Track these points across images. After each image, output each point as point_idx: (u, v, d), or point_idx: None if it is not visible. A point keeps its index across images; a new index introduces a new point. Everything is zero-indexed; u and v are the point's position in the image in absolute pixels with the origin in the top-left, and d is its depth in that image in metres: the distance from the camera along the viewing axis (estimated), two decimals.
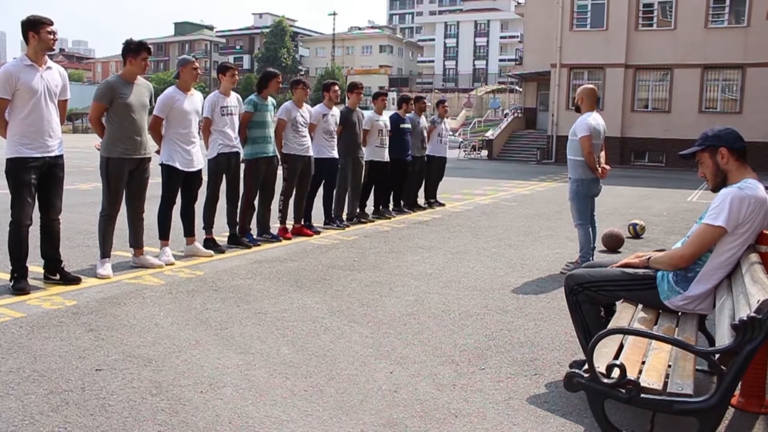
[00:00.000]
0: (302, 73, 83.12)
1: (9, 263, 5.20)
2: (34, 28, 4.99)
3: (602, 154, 6.54)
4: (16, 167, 5.02)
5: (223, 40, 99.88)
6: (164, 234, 6.40)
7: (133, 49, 5.70)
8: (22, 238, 5.14)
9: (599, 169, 6.38)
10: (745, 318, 2.40)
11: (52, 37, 5.07)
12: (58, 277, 5.46)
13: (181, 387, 3.42)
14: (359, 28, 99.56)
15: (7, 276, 5.27)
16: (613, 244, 7.83)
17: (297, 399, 3.31)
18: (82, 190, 12.50)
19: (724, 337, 2.65)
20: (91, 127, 6.09)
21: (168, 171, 6.28)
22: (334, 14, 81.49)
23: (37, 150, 5.07)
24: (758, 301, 2.40)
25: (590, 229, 6.51)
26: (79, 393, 3.30)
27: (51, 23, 5.09)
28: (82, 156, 21.68)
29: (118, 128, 5.64)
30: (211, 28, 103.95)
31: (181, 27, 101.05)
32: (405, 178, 10.19)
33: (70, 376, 3.51)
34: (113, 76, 5.93)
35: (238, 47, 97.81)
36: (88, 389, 3.35)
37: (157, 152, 6.30)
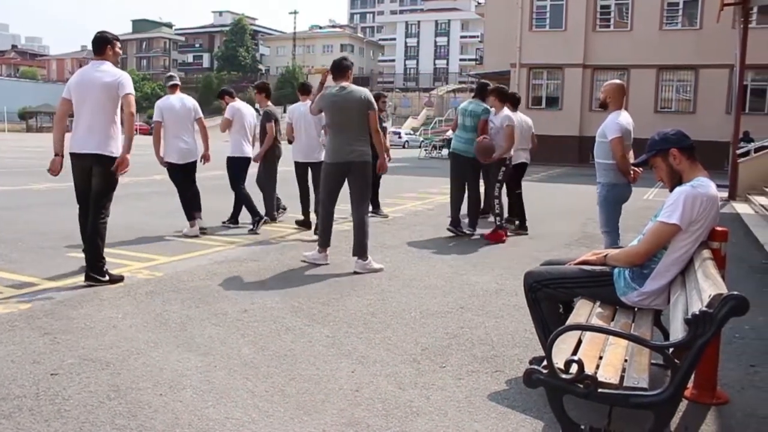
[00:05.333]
0: (262, 72, 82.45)
1: None
2: (111, 42, 5.48)
3: (630, 155, 5.91)
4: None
5: (183, 38, 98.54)
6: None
7: None
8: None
9: (631, 172, 5.77)
10: (697, 312, 2.46)
11: (120, 52, 5.69)
12: (107, 278, 5.49)
13: (140, 390, 3.36)
14: (320, 27, 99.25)
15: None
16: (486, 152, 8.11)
17: (258, 400, 3.29)
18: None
19: (677, 332, 2.71)
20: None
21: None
22: (295, 13, 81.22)
23: None
24: (710, 296, 2.46)
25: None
26: (34, 399, 3.22)
27: (119, 40, 5.72)
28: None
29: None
30: (170, 25, 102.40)
31: (140, 24, 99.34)
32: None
33: (23, 381, 3.43)
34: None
35: (197, 45, 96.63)
36: (42, 395, 3.27)
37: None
